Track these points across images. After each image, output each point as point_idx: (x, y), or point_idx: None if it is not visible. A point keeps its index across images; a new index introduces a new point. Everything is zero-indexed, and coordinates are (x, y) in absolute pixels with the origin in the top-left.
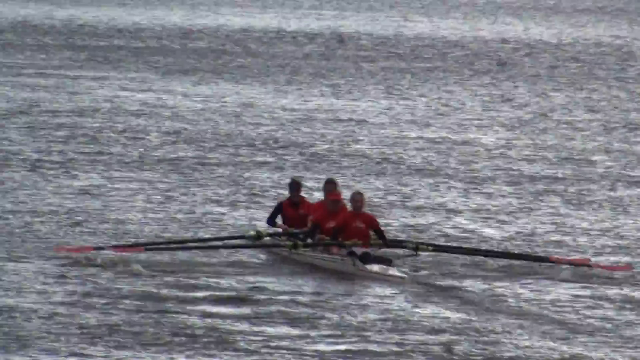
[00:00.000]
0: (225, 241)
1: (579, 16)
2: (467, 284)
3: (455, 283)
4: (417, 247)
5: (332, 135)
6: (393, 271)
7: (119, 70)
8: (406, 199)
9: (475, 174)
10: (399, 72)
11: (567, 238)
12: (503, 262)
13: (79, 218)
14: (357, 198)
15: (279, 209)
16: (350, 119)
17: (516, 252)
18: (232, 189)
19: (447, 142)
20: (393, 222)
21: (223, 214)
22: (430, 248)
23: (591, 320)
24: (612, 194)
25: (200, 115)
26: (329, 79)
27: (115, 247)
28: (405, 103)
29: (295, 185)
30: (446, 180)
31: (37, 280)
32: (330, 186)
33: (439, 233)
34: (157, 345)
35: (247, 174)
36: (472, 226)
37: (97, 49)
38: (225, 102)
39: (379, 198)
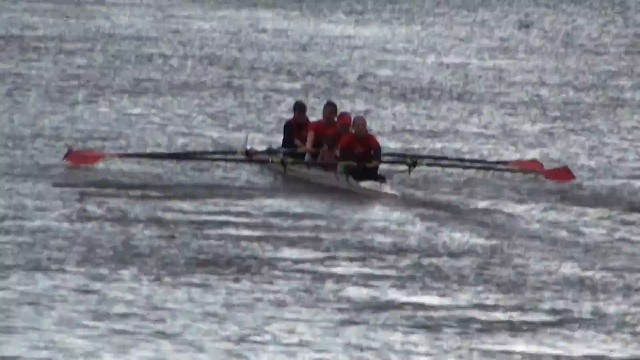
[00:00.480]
0: (217, 155)
1: None
2: (456, 199)
3: (446, 199)
4: (414, 163)
5: (355, 61)
6: (386, 188)
7: None
8: (428, 123)
9: (504, 99)
10: None
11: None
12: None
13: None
14: (360, 122)
15: (289, 128)
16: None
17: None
18: (248, 112)
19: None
20: (414, 146)
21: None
22: (425, 162)
23: (584, 239)
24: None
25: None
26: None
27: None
28: (428, 30)
29: (299, 107)
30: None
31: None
32: (331, 108)
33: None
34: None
35: (270, 99)
36: (501, 150)
37: None
38: (252, 28)
39: (404, 122)
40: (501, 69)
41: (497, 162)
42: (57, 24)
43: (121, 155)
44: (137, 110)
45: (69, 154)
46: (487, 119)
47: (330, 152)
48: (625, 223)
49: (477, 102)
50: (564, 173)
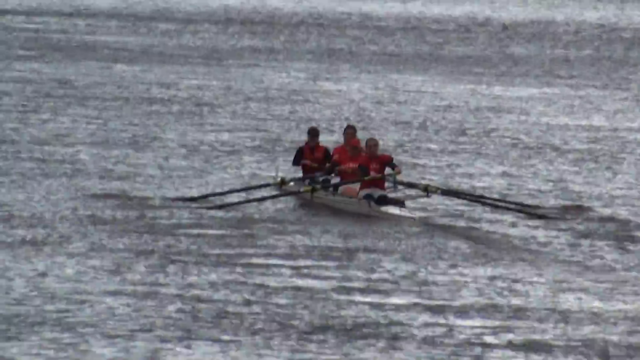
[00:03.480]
0: (253, 190)
1: None
2: (468, 225)
3: (457, 224)
4: (426, 189)
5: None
6: (405, 212)
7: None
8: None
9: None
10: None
11: None
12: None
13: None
14: (371, 143)
15: (300, 153)
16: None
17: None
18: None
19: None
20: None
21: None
22: (439, 191)
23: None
24: None
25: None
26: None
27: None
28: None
29: (312, 132)
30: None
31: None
32: (351, 131)
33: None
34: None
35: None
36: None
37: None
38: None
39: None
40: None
41: (527, 205)
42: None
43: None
44: None
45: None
46: None
47: (346, 170)
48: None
49: None
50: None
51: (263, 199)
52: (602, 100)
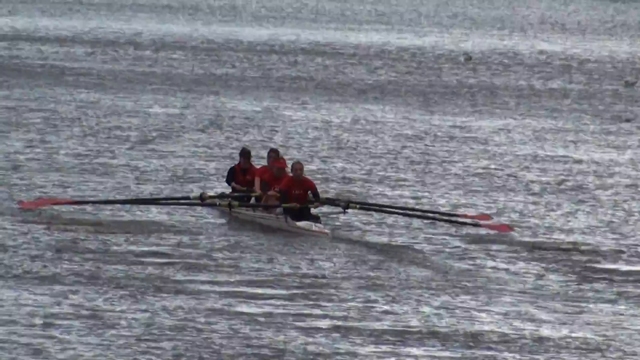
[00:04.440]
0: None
1: None
2: (379, 239)
3: (370, 239)
4: (347, 205)
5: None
6: (319, 227)
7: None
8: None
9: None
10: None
11: None
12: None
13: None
14: (297, 167)
15: (232, 172)
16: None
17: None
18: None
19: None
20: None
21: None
22: (357, 206)
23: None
24: None
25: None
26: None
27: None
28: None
29: (245, 153)
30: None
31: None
32: (274, 154)
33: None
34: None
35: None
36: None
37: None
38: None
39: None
40: None
41: (445, 214)
42: None
43: (74, 202)
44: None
45: (23, 202)
46: None
47: (271, 195)
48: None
49: None
50: (503, 227)
51: (179, 204)
52: (566, 131)
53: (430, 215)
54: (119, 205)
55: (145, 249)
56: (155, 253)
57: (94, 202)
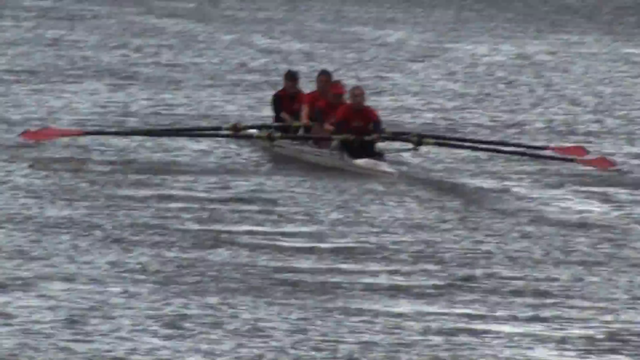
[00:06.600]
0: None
1: None
2: (459, 181)
3: (447, 179)
4: (419, 141)
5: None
6: (382, 166)
7: None
8: None
9: None
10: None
11: None
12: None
13: None
14: (357, 92)
15: (278, 100)
16: None
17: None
18: None
19: None
20: None
21: None
22: (432, 141)
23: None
24: None
25: None
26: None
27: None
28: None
29: (291, 76)
30: None
31: None
32: (326, 77)
33: None
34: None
35: None
36: None
37: None
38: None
39: None
40: None
41: (532, 147)
42: None
43: (86, 133)
44: None
45: (25, 133)
46: None
47: (323, 126)
48: None
49: None
50: (603, 161)
51: (211, 135)
52: None
53: (519, 150)
54: (137, 140)
55: (174, 192)
56: (182, 197)
57: (109, 134)
